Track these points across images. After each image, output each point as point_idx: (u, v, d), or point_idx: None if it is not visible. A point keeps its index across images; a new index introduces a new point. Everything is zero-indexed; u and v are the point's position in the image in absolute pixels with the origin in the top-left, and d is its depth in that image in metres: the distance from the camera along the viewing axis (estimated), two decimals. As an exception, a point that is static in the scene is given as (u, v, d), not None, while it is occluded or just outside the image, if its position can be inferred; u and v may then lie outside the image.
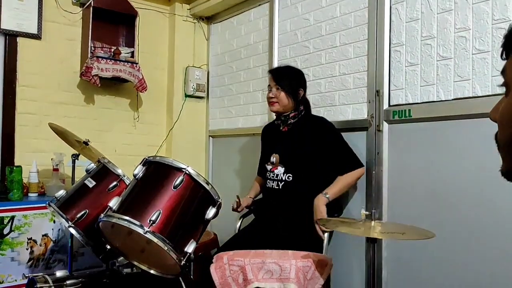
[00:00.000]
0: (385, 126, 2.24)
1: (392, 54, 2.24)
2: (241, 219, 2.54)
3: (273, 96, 2.32)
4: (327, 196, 2.14)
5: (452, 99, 1.98)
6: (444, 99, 2.01)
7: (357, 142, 2.37)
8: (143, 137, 3.43)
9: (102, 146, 2.75)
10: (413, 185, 2.11)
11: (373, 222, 1.55)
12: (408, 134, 2.15)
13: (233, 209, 2.43)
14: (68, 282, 1.76)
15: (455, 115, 1.94)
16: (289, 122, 2.35)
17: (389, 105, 2.24)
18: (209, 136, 3.61)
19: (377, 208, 2.16)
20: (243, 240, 2.22)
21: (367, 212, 1.59)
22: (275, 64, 2.93)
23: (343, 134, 2.41)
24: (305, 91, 2.38)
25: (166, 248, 1.56)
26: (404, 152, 2.17)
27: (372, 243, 1.60)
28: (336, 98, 2.55)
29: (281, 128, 2.39)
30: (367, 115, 2.34)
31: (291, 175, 2.27)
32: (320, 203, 2.12)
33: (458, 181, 1.93)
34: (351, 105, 2.46)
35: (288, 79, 2.34)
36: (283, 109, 2.33)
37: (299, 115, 2.35)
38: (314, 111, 2.61)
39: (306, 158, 2.25)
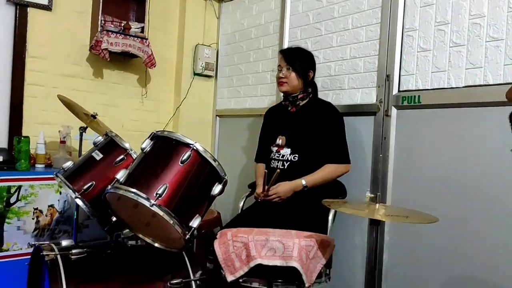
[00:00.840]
0: (394, 111, 2.23)
1: (405, 39, 2.22)
2: (244, 199, 2.55)
3: (284, 76, 2.32)
4: (304, 183, 2.17)
5: (463, 87, 1.97)
6: (455, 86, 2.00)
7: (364, 126, 2.37)
8: (150, 113, 3.43)
9: (109, 121, 2.75)
10: (419, 171, 2.11)
11: (377, 205, 1.56)
12: (417, 120, 2.14)
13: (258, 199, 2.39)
14: (73, 251, 1.78)
15: (466, 103, 1.93)
16: (298, 103, 2.35)
17: (399, 91, 2.23)
18: (216, 115, 3.61)
19: (381, 192, 2.17)
20: (246, 219, 2.24)
21: (372, 195, 1.59)
22: (286, 45, 2.91)
23: (350, 118, 2.42)
24: (314, 74, 2.38)
25: (171, 222, 1.57)
26: (411, 138, 2.16)
27: (376, 225, 1.61)
28: (345, 82, 2.54)
29: (289, 108, 2.39)
30: (376, 100, 2.33)
31: (297, 155, 2.28)
32: (290, 187, 2.17)
33: (465, 168, 1.93)
34: (360, 89, 2.45)
35: (299, 60, 2.33)
36: (292, 89, 2.33)
37: (307, 97, 2.35)
38: (322, 94, 2.60)
39: (313, 140, 2.26)
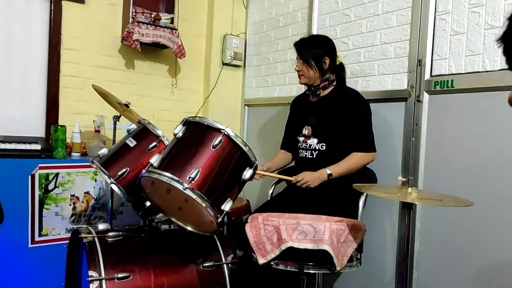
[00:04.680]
0: (426, 96, 2.20)
1: (437, 23, 2.18)
2: (274, 186, 2.56)
3: (299, 69, 2.32)
4: (329, 173, 2.15)
5: (499, 70, 1.92)
6: (490, 70, 1.95)
7: (395, 112, 2.34)
8: (180, 103, 3.49)
9: (141, 110, 2.81)
10: (452, 157, 2.08)
11: (409, 189, 1.55)
12: (449, 105, 2.10)
13: None
14: (110, 234, 1.85)
15: (501, 86, 1.88)
16: (318, 92, 2.33)
17: (431, 75, 2.19)
18: (245, 104, 3.63)
19: (413, 178, 2.14)
20: (276, 205, 2.26)
21: (404, 179, 1.58)
22: (314, 33, 2.90)
23: (381, 104, 2.39)
24: (332, 59, 2.30)
25: (204, 205, 1.61)
26: (444, 123, 2.13)
27: (408, 209, 1.60)
28: (375, 68, 2.51)
29: (310, 98, 2.38)
30: (407, 86, 2.30)
31: (324, 145, 2.27)
32: (316, 176, 2.15)
33: (499, 154, 1.89)
34: (391, 75, 2.42)
35: (310, 50, 2.29)
36: (309, 81, 2.32)
37: (329, 85, 2.32)
38: (352, 81, 2.58)
39: (338, 129, 2.25)
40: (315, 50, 2.29)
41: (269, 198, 2.51)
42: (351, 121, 2.22)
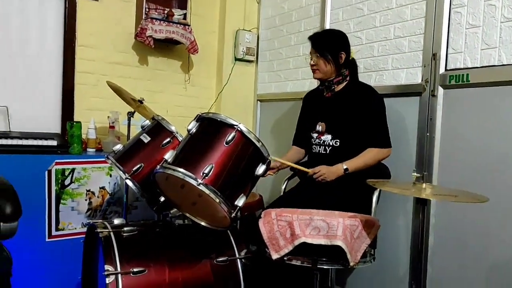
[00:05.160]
0: (440, 91, 2.17)
1: (452, 16, 2.15)
2: (286, 182, 2.56)
3: (314, 63, 2.30)
4: (345, 167, 2.14)
5: (515, 63, 1.89)
6: (506, 63, 1.92)
7: (409, 107, 2.33)
8: (193, 99, 3.50)
9: (154, 106, 2.83)
10: (467, 152, 2.06)
11: (424, 184, 1.54)
12: (465, 100, 2.08)
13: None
14: (125, 228, 1.87)
15: (518, 80, 1.86)
16: (333, 87, 2.32)
17: (446, 70, 2.17)
18: (257, 100, 3.63)
19: (428, 173, 2.13)
20: (289, 201, 2.26)
21: (418, 174, 1.57)
22: (327, 27, 2.88)
23: (394, 99, 2.37)
24: (347, 54, 2.29)
25: (217, 200, 1.62)
26: (459, 118, 2.10)
27: (422, 205, 1.59)
28: (389, 62, 2.49)
29: (324, 94, 2.37)
30: (422, 80, 2.28)
31: (338, 141, 2.27)
32: (332, 170, 2.14)
33: (516, 148, 1.87)
34: (405, 69, 2.39)
35: (327, 44, 2.27)
36: (324, 75, 2.30)
37: (343, 80, 2.31)
38: (365, 76, 2.57)
39: (353, 125, 2.23)
40: (332, 45, 2.28)
41: (281, 194, 2.51)
42: (366, 116, 2.20)
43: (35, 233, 2.47)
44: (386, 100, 2.26)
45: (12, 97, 2.78)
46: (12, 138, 2.53)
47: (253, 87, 3.67)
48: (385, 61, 2.51)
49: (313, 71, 2.33)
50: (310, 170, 2.19)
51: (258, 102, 3.64)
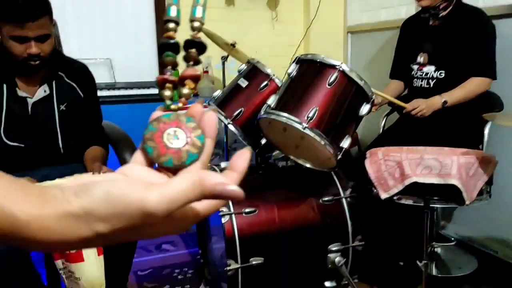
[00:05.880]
0: None
1: None
2: (385, 118, 2.48)
3: None
4: (444, 100, 1.98)
5: None
6: None
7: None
8: (281, 37, 3.44)
9: (243, 48, 2.82)
10: None
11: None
12: None
13: None
14: (232, 172, 1.96)
15: None
16: (440, 15, 2.12)
17: None
18: (348, 32, 3.46)
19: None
20: (391, 138, 2.20)
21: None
22: None
23: (507, 20, 2.12)
24: None
25: (323, 143, 1.62)
26: None
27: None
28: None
29: (430, 23, 2.18)
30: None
31: (443, 72, 2.11)
32: (428, 103, 2.00)
33: None
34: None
35: None
36: (433, 2, 2.09)
37: (449, 5, 2.10)
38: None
39: (460, 53, 2.06)
40: None
41: (381, 130, 2.45)
42: (473, 42, 2.01)
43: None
44: (497, 22, 2.03)
45: (114, 50, 2.93)
46: (118, 89, 2.70)
47: (342, 18, 3.48)
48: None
49: None
50: (408, 105, 2.09)
51: (349, 34, 3.46)
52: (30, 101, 1.61)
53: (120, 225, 0.33)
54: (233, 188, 0.35)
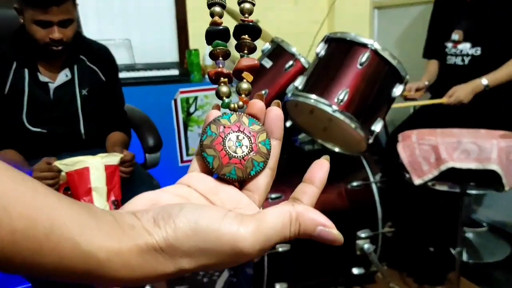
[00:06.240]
0: None
1: None
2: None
3: None
4: (485, 83, 1.87)
5: None
6: None
7: None
8: (304, 13, 3.32)
9: (265, 25, 2.71)
10: None
11: None
12: None
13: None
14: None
15: None
16: None
17: None
18: (374, 7, 3.32)
19: None
20: (423, 119, 2.10)
21: None
22: None
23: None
24: None
25: (354, 126, 1.55)
26: None
27: None
28: None
29: None
30: None
31: (479, 49, 1.99)
32: (470, 89, 1.89)
33: None
34: None
35: None
36: None
37: None
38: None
39: (498, 29, 1.93)
40: None
41: (411, 111, 2.35)
42: None
43: (170, 159, 2.65)
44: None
45: (133, 30, 2.87)
46: (138, 70, 2.65)
47: (368, -7, 3.34)
48: None
49: None
50: (444, 100, 1.98)
51: (375, 10, 3.32)
52: (52, 86, 1.57)
53: (207, 261, 0.29)
54: (336, 233, 0.31)
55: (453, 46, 2.09)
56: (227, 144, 0.35)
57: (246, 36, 0.39)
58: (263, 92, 1.94)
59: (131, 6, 2.86)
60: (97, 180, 1.37)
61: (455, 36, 2.07)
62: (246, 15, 0.39)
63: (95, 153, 1.64)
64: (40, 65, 1.55)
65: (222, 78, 0.38)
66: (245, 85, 0.38)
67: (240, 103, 0.38)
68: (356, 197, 1.83)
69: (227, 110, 0.38)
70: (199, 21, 3.01)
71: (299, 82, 1.65)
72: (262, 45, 2.11)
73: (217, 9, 0.38)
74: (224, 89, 0.38)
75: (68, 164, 1.38)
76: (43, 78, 1.55)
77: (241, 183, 0.36)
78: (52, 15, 1.43)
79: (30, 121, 1.54)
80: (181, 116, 2.65)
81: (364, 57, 1.56)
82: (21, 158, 1.50)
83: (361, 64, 1.56)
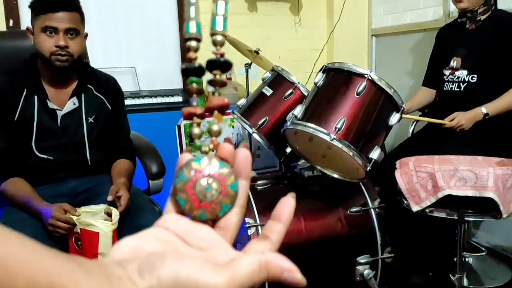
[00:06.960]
0: None
1: None
2: (415, 123, 2.42)
3: None
4: (485, 111, 1.92)
5: None
6: None
7: None
8: (304, 41, 3.40)
9: (266, 53, 2.80)
10: None
11: None
12: None
13: None
14: (258, 182, 1.94)
15: None
16: (478, 18, 2.06)
17: None
18: (372, 35, 3.41)
19: None
20: (420, 144, 2.15)
21: None
22: None
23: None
24: None
25: (351, 154, 1.58)
26: None
27: None
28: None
29: (467, 26, 2.11)
30: None
31: (475, 76, 2.05)
32: (470, 117, 1.93)
33: None
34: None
35: None
36: (472, 5, 2.03)
37: (488, 10, 2.04)
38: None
39: (494, 58, 1.99)
40: None
41: (409, 135, 2.39)
42: (510, 50, 1.95)
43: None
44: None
45: (137, 58, 2.95)
46: (143, 97, 2.71)
47: (367, 21, 3.43)
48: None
49: (459, 0, 2.05)
50: (447, 122, 2.03)
51: (373, 37, 3.41)
52: (60, 113, 1.61)
53: None
54: (299, 277, 0.35)
55: (451, 73, 2.14)
56: (197, 188, 0.37)
57: (218, 71, 0.40)
58: (264, 119, 2.00)
59: (136, 35, 2.94)
60: (105, 247, 1.38)
61: (453, 63, 2.13)
62: (218, 47, 0.40)
63: (101, 179, 1.67)
64: (49, 93, 1.60)
65: (195, 119, 0.40)
66: (215, 127, 0.40)
67: (211, 146, 0.40)
68: (356, 223, 1.85)
69: (198, 153, 0.39)
70: (202, 49, 3.08)
71: (298, 111, 1.69)
72: (263, 73, 2.18)
73: (192, 43, 0.39)
74: (196, 130, 0.40)
75: (81, 223, 1.40)
76: (52, 105, 1.60)
77: (213, 221, 0.38)
78: (59, 21, 1.48)
79: (39, 148, 1.58)
80: (184, 141, 2.69)
81: (361, 86, 1.61)
82: (30, 189, 1.52)
83: (358, 94, 1.61)
